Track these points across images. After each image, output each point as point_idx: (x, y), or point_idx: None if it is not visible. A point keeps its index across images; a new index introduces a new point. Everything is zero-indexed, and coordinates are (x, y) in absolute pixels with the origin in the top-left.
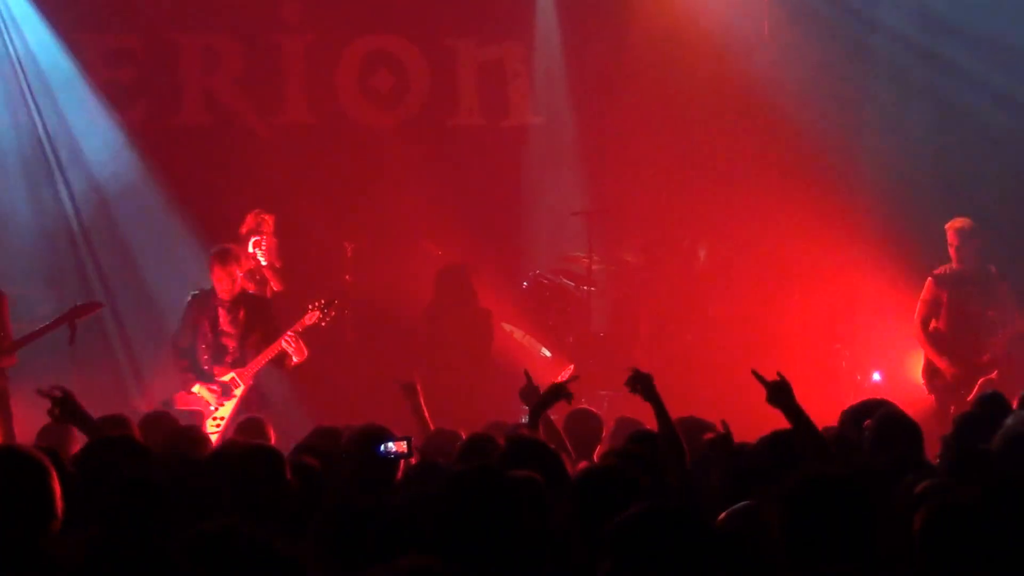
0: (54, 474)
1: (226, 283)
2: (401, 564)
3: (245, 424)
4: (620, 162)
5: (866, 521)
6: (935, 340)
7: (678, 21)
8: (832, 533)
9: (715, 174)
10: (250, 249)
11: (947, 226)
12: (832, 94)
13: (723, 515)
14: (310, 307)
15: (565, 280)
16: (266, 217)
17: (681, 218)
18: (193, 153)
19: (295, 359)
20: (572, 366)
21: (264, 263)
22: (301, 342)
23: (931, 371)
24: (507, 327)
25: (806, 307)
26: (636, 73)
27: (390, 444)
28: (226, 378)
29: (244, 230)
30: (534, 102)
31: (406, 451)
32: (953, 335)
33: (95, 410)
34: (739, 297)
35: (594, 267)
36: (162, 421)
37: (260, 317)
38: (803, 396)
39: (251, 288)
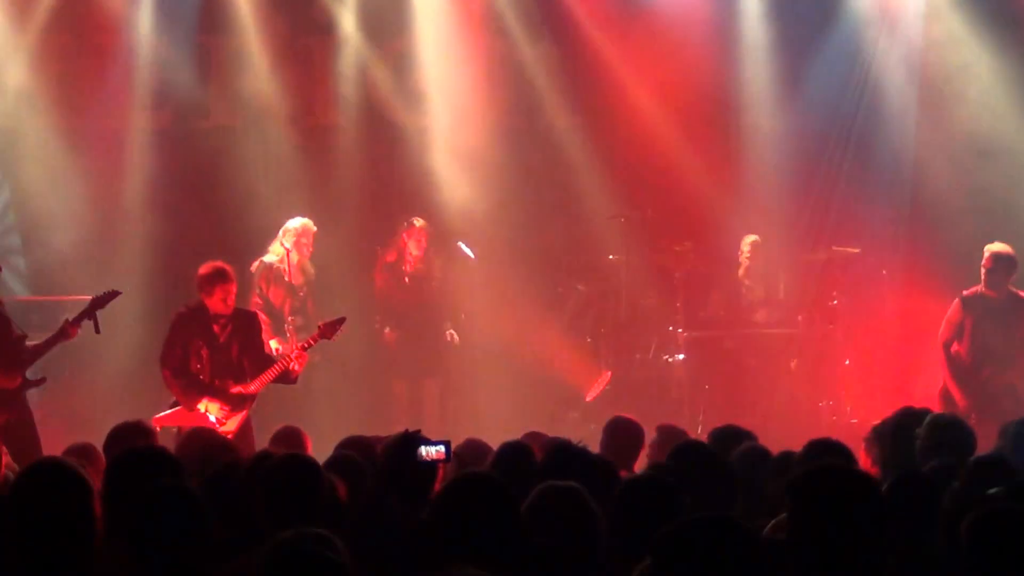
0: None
1: (218, 304)
2: None
3: (282, 434)
4: (659, 163)
5: (876, 518)
6: (954, 366)
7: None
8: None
9: (758, 175)
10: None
11: (987, 248)
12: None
13: (770, 524)
14: (321, 325)
15: (599, 286)
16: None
17: (725, 220)
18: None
19: (297, 370)
20: (609, 373)
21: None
22: (305, 355)
23: (946, 396)
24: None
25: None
26: (677, 69)
27: (429, 449)
28: (233, 391)
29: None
30: (570, 102)
31: (444, 457)
32: (971, 362)
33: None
34: (784, 302)
35: (631, 271)
36: (196, 433)
37: (253, 331)
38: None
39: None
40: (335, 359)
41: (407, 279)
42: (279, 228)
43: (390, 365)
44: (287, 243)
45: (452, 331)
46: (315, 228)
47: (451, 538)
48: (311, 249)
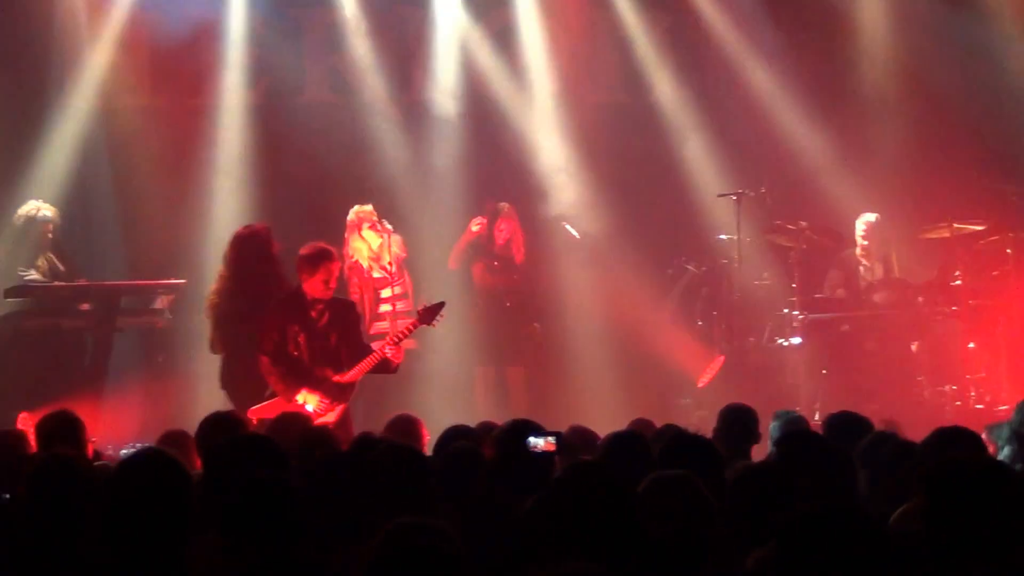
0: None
1: (320, 285)
2: (563, 570)
3: (397, 422)
4: (772, 138)
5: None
6: None
7: None
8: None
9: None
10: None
11: None
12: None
13: (895, 514)
14: (420, 310)
15: (710, 267)
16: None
17: (842, 196)
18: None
19: (396, 362)
20: (722, 357)
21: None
22: (400, 346)
23: None
24: None
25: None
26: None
27: (539, 440)
28: (332, 381)
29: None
30: (679, 75)
31: (555, 448)
32: None
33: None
34: (904, 282)
35: (743, 252)
36: (294, 421)
37: (351, 321)
38: None
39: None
40: (422, 343)
41: (496, 263)
42: (377, 207)
43: (475, 350)
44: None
45: (537, 324)
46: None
47: (562, 530)
48: (388, 230)
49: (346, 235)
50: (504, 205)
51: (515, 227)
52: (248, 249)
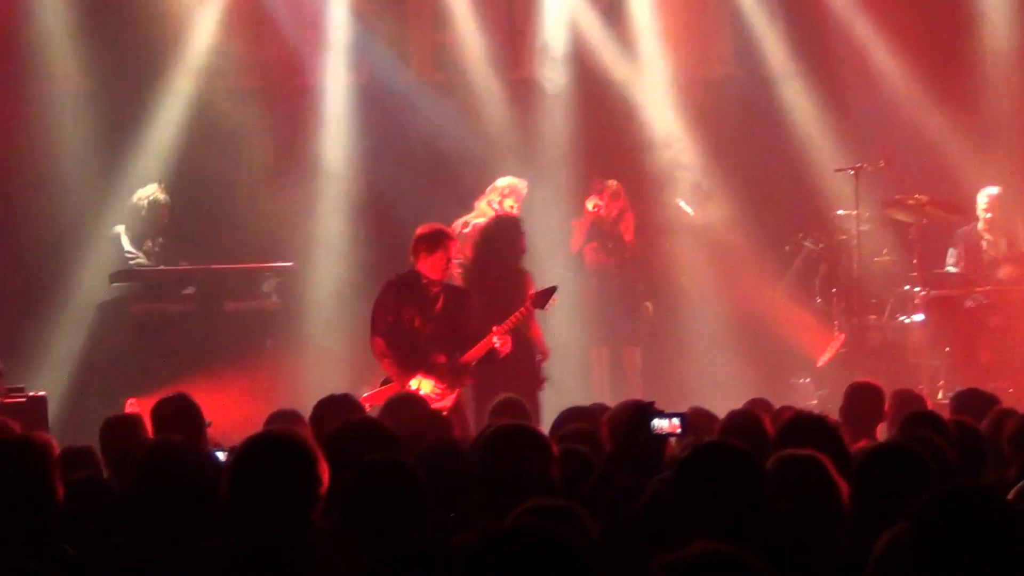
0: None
1: (440, 264)
2: (695, 551)
3: (505, 404)
4: (891, 110)
5: None
6: None
7: None
8: None
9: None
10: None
11: None
12: None
13: (1012, 493)
14: (532, 294)
15: (828, 243)
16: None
17: (963, 169)
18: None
19: (503, 352)
20: (843, 336)
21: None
22: (509, 337)
23: None
24: None
25: None
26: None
27: (663, 422)
28: (446, 366)
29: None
30: (793, 46)
31: (679, 430)
32: None
33: None
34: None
35: (861, 228)
36: (407, 404)
37: (466, 307)
38: None
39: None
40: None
41: (608, 243)
42: (484, 187)
43: (589, 331)
44: (494, 202)
45: (649, 303)
46: (525, 189)
47: (693, 510)
48: (519, 210)
49: (486, 197)
50: (613, 182)
51: (625, 205)
52: (500, 239)
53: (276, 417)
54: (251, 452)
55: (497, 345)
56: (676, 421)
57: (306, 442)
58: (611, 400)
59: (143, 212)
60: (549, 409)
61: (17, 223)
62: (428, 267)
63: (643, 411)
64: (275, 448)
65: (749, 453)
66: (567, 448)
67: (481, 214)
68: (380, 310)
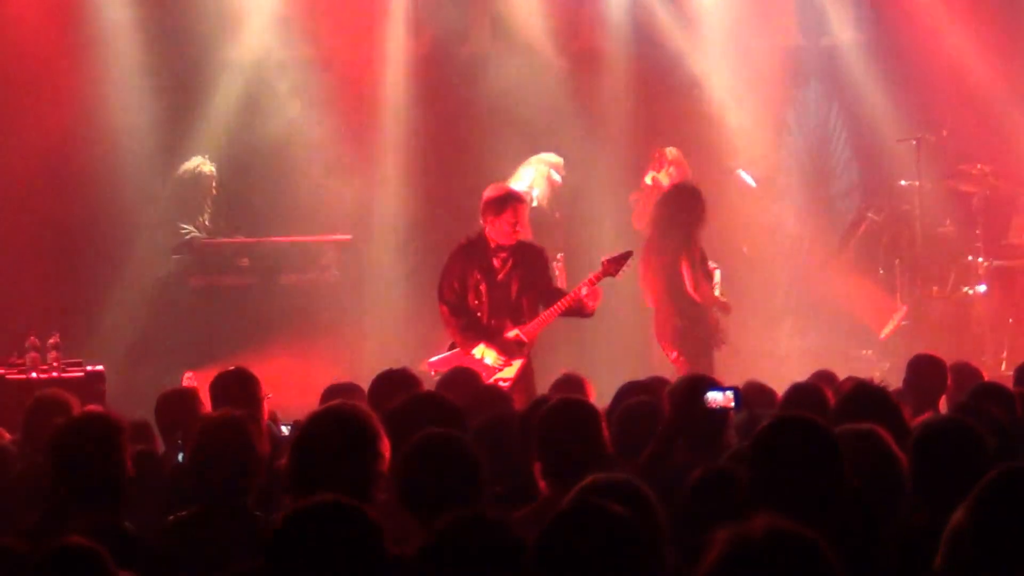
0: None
1: (507, 228)
2: (755, 526)
3: (562, 381)
4: (954, 79)
5: None
6: None
7: None
8: None
9: None
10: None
11: None
12: None
13: None
14: (605, 260)
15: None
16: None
17: (1020, 143)
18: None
19: (592, 305)
20: (905, 307)
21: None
22: (598, 288)
23: None
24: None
25: None
26: None
27: (717, 395)
28: (511, 335)
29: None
30: (854, 17)
31: (733, 404)
32: None
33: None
34: None
35: (924, 197)
36: (461, 380)
37: (538, 266)
38: None
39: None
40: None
41: None
42: (545, 157)
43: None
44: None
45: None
46: (559, 177)
47: (767, 484)
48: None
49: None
50: (673, 149)
51: (685, 172)
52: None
53: (334, 390)
54: (317, 426)
55: (584, 296)
56: (730, 394)
57: (371, 418)
58: (670, 375)
59: (189, 185)
60: (611, 383)
61: (77, 198)
62: (495, 231)
63: (697, 385)
64: (342, 423)
65: (829, 429)
66: (625, 422)
67: (526, 184)
68: (446, 277)
